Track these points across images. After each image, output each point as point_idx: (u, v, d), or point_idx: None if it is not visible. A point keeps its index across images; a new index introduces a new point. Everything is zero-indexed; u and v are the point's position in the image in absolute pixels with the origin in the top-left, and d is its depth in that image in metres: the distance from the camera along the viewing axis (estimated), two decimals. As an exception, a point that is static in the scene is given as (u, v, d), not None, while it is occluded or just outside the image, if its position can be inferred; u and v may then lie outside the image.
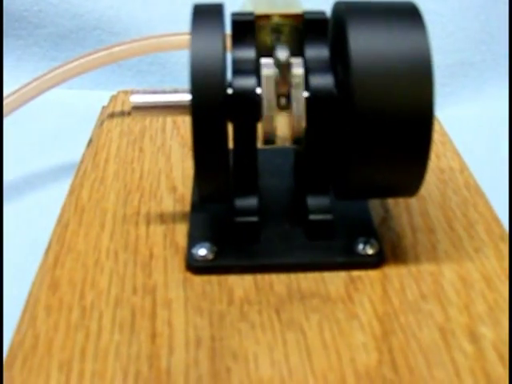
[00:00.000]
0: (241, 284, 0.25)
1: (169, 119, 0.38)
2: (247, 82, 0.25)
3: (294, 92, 0.25)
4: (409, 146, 0.24)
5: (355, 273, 0.26)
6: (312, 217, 0.27)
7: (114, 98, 0.42)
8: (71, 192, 0.33)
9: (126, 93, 0.42)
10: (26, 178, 0.40)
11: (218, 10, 0.25)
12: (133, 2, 0.49)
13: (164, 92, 0.26)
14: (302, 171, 0.27)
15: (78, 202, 0.31)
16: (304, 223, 0.27)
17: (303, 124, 0.25)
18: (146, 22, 0.50)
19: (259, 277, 0.26)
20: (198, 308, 0.24)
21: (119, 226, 0.29)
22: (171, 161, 0.34)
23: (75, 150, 0.41)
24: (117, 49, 0.36)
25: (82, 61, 0.36)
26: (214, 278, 0.26)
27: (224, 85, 0.24)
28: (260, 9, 0.31)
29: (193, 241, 0.27)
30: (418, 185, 0.25)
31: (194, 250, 0.26)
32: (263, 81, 0.25)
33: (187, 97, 0.25)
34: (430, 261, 0.27)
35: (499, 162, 0.42)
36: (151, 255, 0.27)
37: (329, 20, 0.27)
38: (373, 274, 0.26)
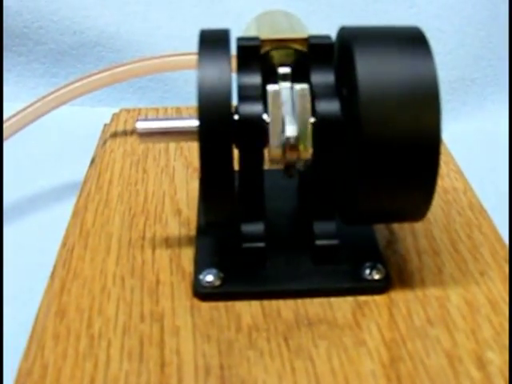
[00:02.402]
0: (248, 310, 0.25)
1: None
2: (254, 108, 0.25)
3: (301, 119, 0.25)
4: (416, 172, 0.24)
5: (362, 298, 0.26)
6: (318, 242, 0.27)
7: (116, 117, 0.42)
8: (75, 214, 0.33)
9: (129, 111, 0.42)
10: (28, 199, 0.40)
11: (224, 36, 0.25)
12: (133, 18, 0.49)
13: (169, 118, 0.26)
14: (307, 196, 0.27)
15: (83, 226, 0.31)
16: (310, 248, 0.27)
17: (310, 151, 0.25)
18: (147, 38, 0.50)
19: (266, 303, 0.26)
20: (206, 335, 0.24)
21: (125, 250, 0.29)
22: (175, 182, 0.34)
23: (78, 169, 0.41)
24: (119, 69, 0.36)
25: (84, 81, 0.36)
26: (221, 305, 0.26)
27: (231, 111, 0.24)
28: (264, 32, 0.31)
29: (199, 267, 0.27)
30: (426, 210, 0.25)
31: (200, 276, 0.26)
32: (270, 109, 0.25)
33: (194, 123, 0.25)
34: (436, 285, 0.27)
35: (499, 177, 0.42)
36: (158, 281, 0.27)
37: (334, 44, 0.27)
38: (379, 299, 0.26)
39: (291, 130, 0.25)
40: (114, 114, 0.42)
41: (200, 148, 0.23)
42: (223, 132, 0.23)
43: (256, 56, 0.26)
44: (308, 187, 0.27)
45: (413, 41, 0.25)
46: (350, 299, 0.26)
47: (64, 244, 0.32)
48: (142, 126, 0.26)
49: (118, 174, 0.35)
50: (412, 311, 0.25)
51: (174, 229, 0.30)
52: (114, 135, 0.39)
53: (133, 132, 0.39)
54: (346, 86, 0.25)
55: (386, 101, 0.23)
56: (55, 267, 0.30)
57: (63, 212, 0.36)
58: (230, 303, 0.26)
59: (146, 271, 0.28)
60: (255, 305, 0.26)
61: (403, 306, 0.26)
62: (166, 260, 0.28)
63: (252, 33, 0.32)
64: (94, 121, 0.44)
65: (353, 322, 0.25)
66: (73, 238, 0.30)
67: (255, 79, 0.26)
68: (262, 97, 0.25)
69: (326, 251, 0.27)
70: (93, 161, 0.39)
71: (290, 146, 0.25)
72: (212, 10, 0.51)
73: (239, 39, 0.26)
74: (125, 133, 0.39)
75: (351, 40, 0.24)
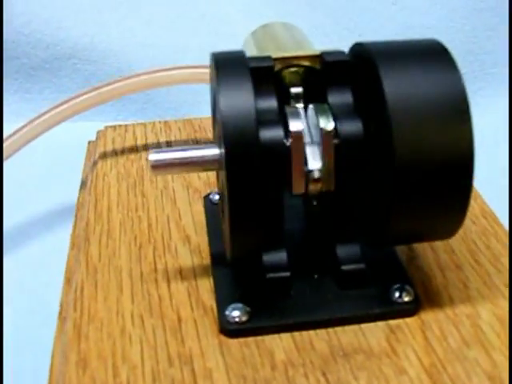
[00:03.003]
0: (280, 345, 0.24)
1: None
2: (275, 134, 0.24)
3: (324, 144, 0.24)
4: (450, 190, 0.23)
5: (393, 322, 0.25)
6: (344, 267, 0.26)
7: (102, 135, 0.40)
8: (75, 246, 0.32)
9: (114, 128, 0.40)
10: (17, 228, 0.38)
11: (241, 59, 0.24)
12: (108, 28, 0.47)
13: (185, 149, 0.25)
14: (329, 219, 0.26)
15: (89, 261, 0.29)
16: (335, 273, 0.26)
17: (333, 182, 0.24)
18: (123, 47, 0.48)
19: (297, 335, 0.25)
20: (241, 376, 0.23)
21: (138, 286, 0.27)
22: (177, 205, 0.33)
23: (67, 192, 0.39)
24: (106, 88, 0.35)
25: (70, 103, 0.34)
26: (250, 340, 0.25)
27: (258, 140, 0.23)
28: (267, 49, 0.30)
29: (223, 301, 0.26)
30: (458, 228, 0.24)
31: (226, 312, 0.25)
32: (293, 136, 0.24)
33: (213, 151, 0.24)
34: (464, 302, 0.26)
35: (498, 172, 0.42)
36: (179, 319, 0.26)
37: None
38: (410, 321, 0.25)
39: (314, 164, 0.24)
40: (99, 132, 0.41)
41: (228, 178, 0.22)
42: (252, 161, 0.22)
43: (270, 77, 0.25)
44: (329, 210, 0.26)
45: (436, 54, 0.24)
46: (381, 324, 0.25)
47: (68, 280, 0.31)
48: (155, 158, 0.25)
49: (116, 199, 0.33)
50: (446, 332, 0.25)
51: (186, 258, 0.29)
52: (104, 156, 0.38)
53: (123, 152, 0.38)
54: (366, 104, 0.24)
55: (417, 120, 0.22)
56: (63, 308, 0.29)
57: (57, 241, 0.34)
58: (259, 338, 0.25)
59: (164, 308, 0.26)
60: (286, 338, 0.25)
61: (436, 327, 0.25)
62: (183, 294, 0.27)
63: (251, 50, 0.31)
64: (75, 137, 0.42)
65: (389, 348, 0.24)
66: (79, 274, 0.28)
67: (271, 102, 0.25)
68: (280, 120, 0.24)
69: (352, 276, 0.26)
70: (83, 184, 0.38)
71: (313, 179, 0.24)
72: (187, 15, 0.49)
73: (251, 59, 0.25)
74: (115, 153, 0.38)
75: (374, 57, 0.23)
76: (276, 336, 0.25)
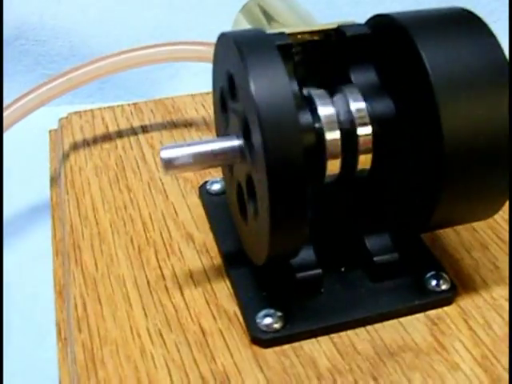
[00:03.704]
0: (320, 350, 0.22)
1: (144, 143, 0.34)
2: (306, 119, 0.21)
3: (359, 130, 0.22)
4: (494, 169, 0.21)
5: (432, 312, 0.24)
6: (377, 259, 0.24)
7: (66, 123, 0.36)
8: (60, 253, 0.29)
9: (80, 115, 0.37)
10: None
11: (264, 37, 0.21)
12: (57, 3, 0.42)
13: (199, 142, 0.22)
14: (356, 209, 0.24)
15: (85, 271, 0.26)
16: (367, 265, 0.24)
17: (369, 161, 0.22)
18: (74, 24, 0.43)
19: (335, 337, 0.23)
20: (286, 391, 0.21)
21: (147, 296, 0.25)
22: (170, 199, 0.30)
23: (34, 189, 0.35)
24: (76, 73, 0.31)
25: (38, 92, 0.30)
26: (287, 348, 0.22)
27: (299, 128, 0.20)
28: (263, 23, 0.27)
29: (249, 307, 0.23)
30: (501, 206, 0.23)
31: (258, 320, 0.23)
32: (324, 122, 0.21)
33: (235, 142, 0.22)
34: (499, 283, 0.25)
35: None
36: (203, 331, 0.23)
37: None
38: (450, 310, 0.24)
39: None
40: (62, 120, 0.37)
41: (269, 174, 0.19)
42: (294, 152, 0.19)
43: (289, 57, 0.22)
44: (360, 198, 0.24)
45: (469, 22, 0.22)
46: (420, 316, 0.24)
47: (59, 293, 0.28)
48: (168, 155, 0.21)
49: (100, 197, 0.30)
50: (488, 319, 0.24)
51: (193, 260, 0.26)
52: (74, 146, 0.34)
53: (96, 141, 0.34)
54: (395, 81, 0.22)
55: (463, 96, 0.20)
56: (61, 327, 0.26)
57: (33, 247, 0.31)
58: (296, 344, 0.23)
59: (183, 320, 0.24)
60: (325, 342, 0.23)
61: (477, 314, 0.24)
62: (201, 302, 0.24)
63: (243, 25, 0.28)
64: (32, 127, 0.38)
65: (435, 343, 0.23)
66: (75, 288, 0.25)
67: (292, 86, 0.22)
68: (304, 103, 0.22)
69: (385, 267, 0.24)
70: (53, 179, 0.34)
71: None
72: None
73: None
74: (86, 143, 0.34)
75: (408, 29, 0.21)
76: (314, 340, 0.23)
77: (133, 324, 0.23)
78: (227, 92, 0.22)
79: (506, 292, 0.25)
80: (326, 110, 0.22)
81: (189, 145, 0.22)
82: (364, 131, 0.22)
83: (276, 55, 0.20)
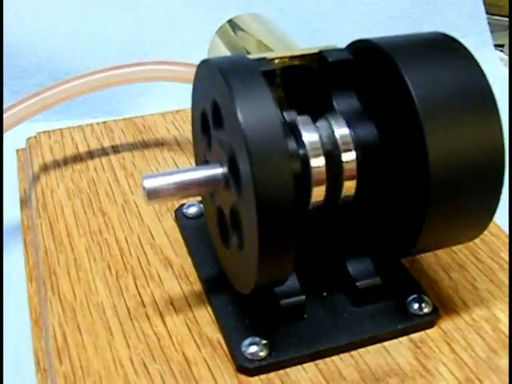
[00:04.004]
0: (306, 377, 0.22)
1: (116, 164, 0.33)
2: (291, 146, 0.21)
3: (343, 157, 0.22)
4: (482, 194, 0.21)
5: (414, 335, 0.24)
6: (360, 284, 0.24)
7: (35, 143, 0.35)
8: (34, 280, 0.28)
9: (48, 134, 0.36)
10: None
11: (248, 63, 0.21)
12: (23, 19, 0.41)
13: (181, 170, 0.22)
14: (341, 234, 0.24)
15: (62, 300, 0.25)
16: (349, 290, 0.24)
17: (354, 187, 0.22)
18: (41, 40, 0.42)
19: (321, 363, 0.23)
20: (275, 421, 0.21)
21: (128, 325, 0.24)
22: (145, 222, 0.29)
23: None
24: (50, 92, 0.30)
25: (15, 110, 0.30)
26: (273, 376, 0.22)
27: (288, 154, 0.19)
28: (239, 46, 0.27)
29: (232, 335, 0.23)
30: (484, 230, 0.23)
31: (243, 348, 0.22)
32: (309, 149, 0.21)
33: (219, 170, 0.21)
34: (478, 304, 0.25)
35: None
36: (187, 360, 0.23)
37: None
38: (432, 333, 0.24)
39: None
40: (30, 139, 0.36)
41: (258, 202, 0.19)
42: (283, 179, 0.19)
43: (273, 83, 0.22)
44: (341, 225, 0.24)
45: (449, 46, 0.22)
46: (403, 339, 0.24)
47: (35, 322, 0.27)
48: (151, 184, 0.21)
49: (74, 221, 0.29)
50: (470, 341, 0.24)
51: (173, 285, 0.26)
52: (44, 168, 0.33)
53: (66, 162, 0.33)
54: (376, 106, 0.22)
55: (448, 120, 0.20)
56: (39, 357, 0.25)
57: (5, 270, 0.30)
58: (282, 372, 0.22)
59: (166, 349, 0.23)
60: (311, 369, 0.23)
61: (459, 336, 0.24)
62: (183, 329, 0.24)
63: (220, 50, 0.28)
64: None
65: (419, 367, 0.23)
66: (54, 317, 0.25)
67: (279, 113, 0.22)
68: (287, 129, 0.22)
69: (368, 292, 0.24)
70: (23, 201, 0.33)
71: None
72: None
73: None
74: (57, 164, 0.33)
75: (390, 54, 0.21)
76: (299, 367, 0.23)
77: (115, 354, 0.23)
78: (211, 120, 0.22)
79: (485, 313, 0.25)
80: (310, 137, 0.22)
81: (171, 173, 0.21)
82: (348, 157, 0.22)
83: (262, 83, 0.20)
